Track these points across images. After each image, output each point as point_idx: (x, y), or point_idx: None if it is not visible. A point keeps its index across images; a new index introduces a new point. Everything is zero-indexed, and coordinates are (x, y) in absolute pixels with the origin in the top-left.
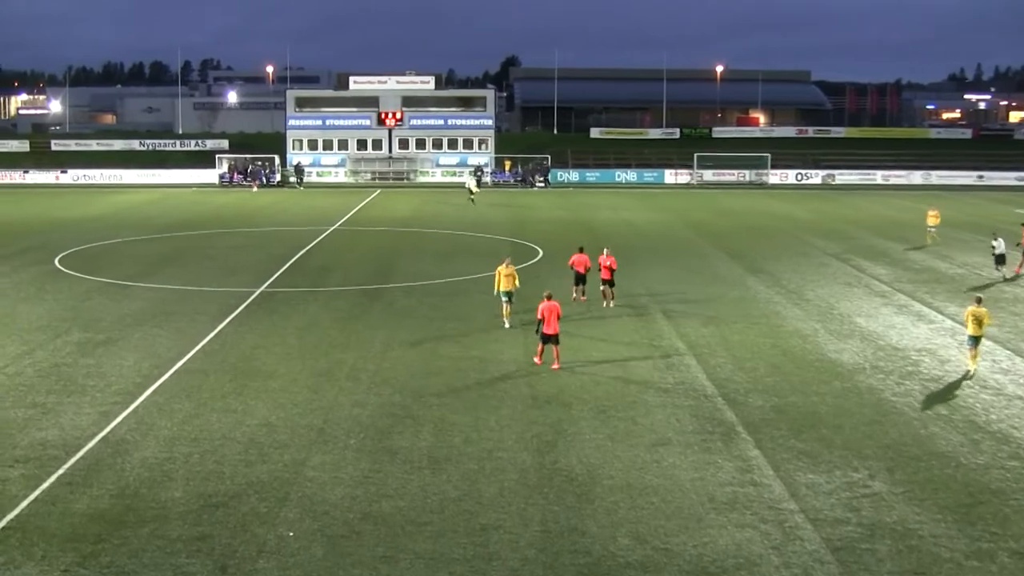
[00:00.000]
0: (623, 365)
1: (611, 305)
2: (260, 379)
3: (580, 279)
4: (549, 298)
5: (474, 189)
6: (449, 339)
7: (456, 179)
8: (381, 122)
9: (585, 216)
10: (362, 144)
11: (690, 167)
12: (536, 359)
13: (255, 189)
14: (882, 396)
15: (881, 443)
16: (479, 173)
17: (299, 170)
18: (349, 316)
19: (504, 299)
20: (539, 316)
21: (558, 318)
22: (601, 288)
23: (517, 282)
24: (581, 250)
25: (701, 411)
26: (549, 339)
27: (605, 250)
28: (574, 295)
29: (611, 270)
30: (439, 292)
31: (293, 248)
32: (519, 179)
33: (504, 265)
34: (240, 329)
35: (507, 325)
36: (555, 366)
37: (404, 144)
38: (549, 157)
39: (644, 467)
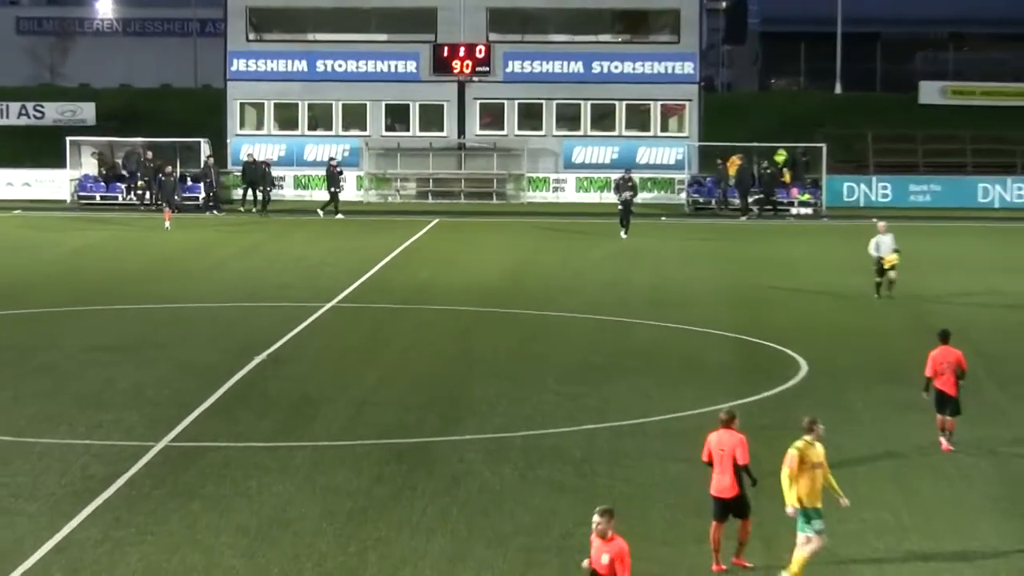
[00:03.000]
0: None
1: (949, 442)
2: None
3: (946, 403)
4: (727, 423)
5: (891, 258)
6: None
7: (605, 199)
8: (441, 66)
9: (904, 283)
10: (398, 116)
11: None
12: (714, 565)
13: (167, 223)
14: None
15: None
16: (630, 186)
17: (263, 176)
18: (364, 506)
19: (809, 530)
20: (705, 458)
21: (737, 474)
22: (938, 416)
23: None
24: (944, 339)
25: None
26: (724, 510)
27: (943, 338)
28: (940, 434)
29: (957, 376)
30: (566, 454)
31: (237, 351)
32: (728, 197)
33: (810, 432)
34: (115, 534)
35: None
36: (716, 568)
37: (493, 117)
38: (824, 147)
39: None
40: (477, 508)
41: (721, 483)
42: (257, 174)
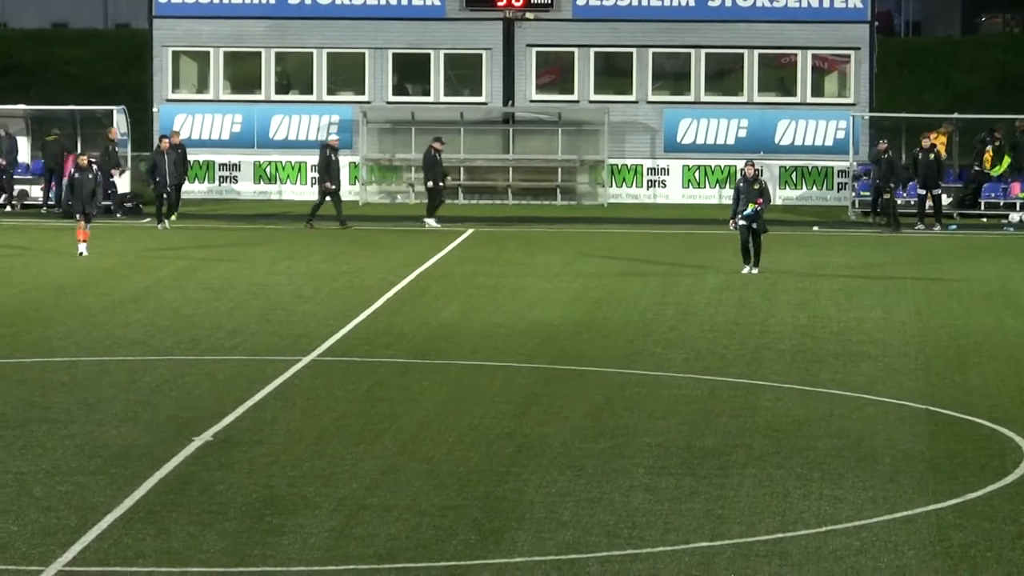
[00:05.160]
0: None
1: None
2: None
3: None
4: None
5: None
6: None
7: (727, 199)
8: None
9: None
10: (413, 73)
11: None
12: None
13: (83, 246)
14: None
15: None
16: (757, 190)
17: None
18: None
19: None
20: None
21: None
22: None
23: None
24: None
25: None
26: None
27: None
28: None
29: None
30: None
31: (169, 428)
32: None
33: None
34: None
35: None
36: None
37: (558, 73)
38: None
39: None
40: None
41: None
42: (335, 169)
